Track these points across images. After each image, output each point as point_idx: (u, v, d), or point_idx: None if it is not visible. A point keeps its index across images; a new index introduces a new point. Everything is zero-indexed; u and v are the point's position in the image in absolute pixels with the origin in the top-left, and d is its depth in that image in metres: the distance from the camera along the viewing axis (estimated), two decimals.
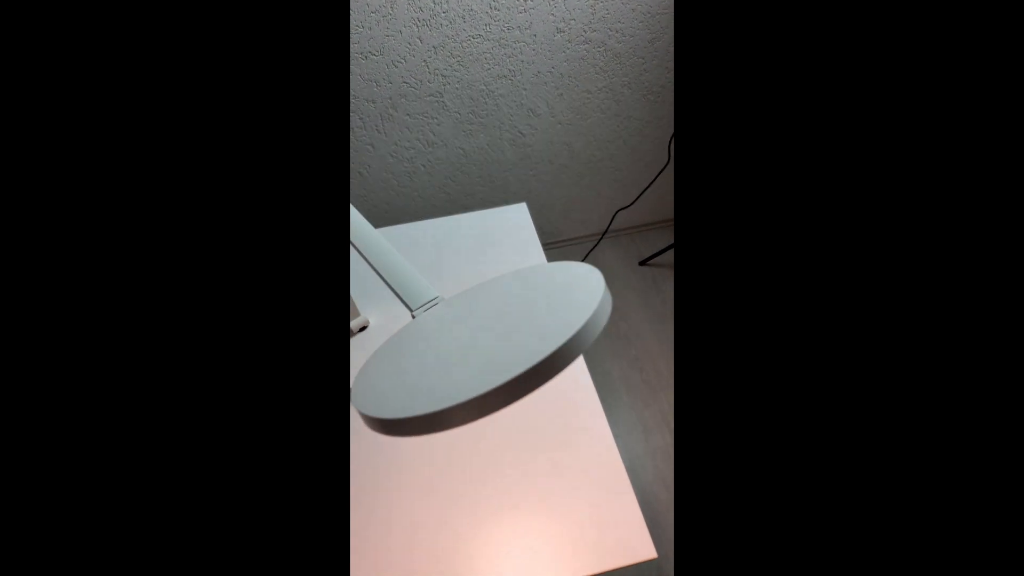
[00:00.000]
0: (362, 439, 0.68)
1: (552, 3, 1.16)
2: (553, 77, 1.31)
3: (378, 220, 1.51)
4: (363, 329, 0.75)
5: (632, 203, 1.66)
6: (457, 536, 0.61)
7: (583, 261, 1.72)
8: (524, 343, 0.25)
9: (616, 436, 1.43)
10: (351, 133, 1.29)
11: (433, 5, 1.10)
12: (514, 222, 0.99)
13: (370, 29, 1.11)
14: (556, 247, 1.81)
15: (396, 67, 1.19)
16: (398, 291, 0.32)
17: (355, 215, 0.34)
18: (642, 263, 1.76)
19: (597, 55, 1.29)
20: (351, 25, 1.09)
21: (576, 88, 1.35)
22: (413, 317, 0.31)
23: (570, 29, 1.22)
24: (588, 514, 0.62)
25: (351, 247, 0.33)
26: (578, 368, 0.74)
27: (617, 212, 1.70)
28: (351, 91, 1.21)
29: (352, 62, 1.16)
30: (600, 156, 1.55)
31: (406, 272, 0.32)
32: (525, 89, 1.31)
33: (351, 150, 1.33)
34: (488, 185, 1.52)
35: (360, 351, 0.74)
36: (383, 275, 0.32)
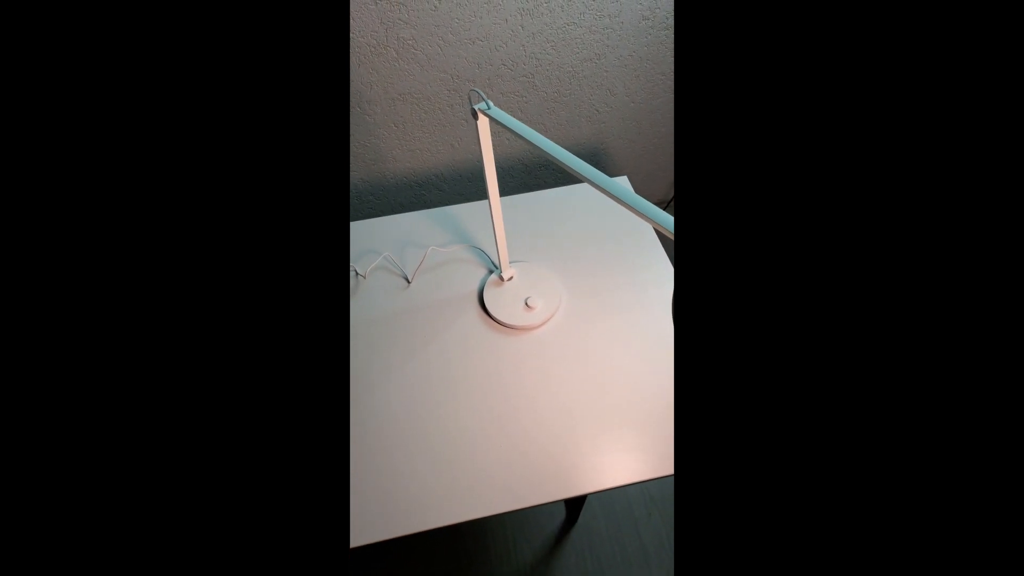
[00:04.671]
0: (430, 356, 0.86)
1: None
2: (634, 60, 1.44)
3: (472, 193, 1.67)
4: (510, 279, 0.93)
5: None
6: (523, 435, 0.78)
7: None
8: None
9: None
10: (450, 109, 1.44)
11: None
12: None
13: (480, 19, 1.25)
14: None
15: (497, 51, 1.33)
16: None
17: None
18: None
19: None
20: (463, 16, 1.23)
21: (653, 71, 1.47)
22: None
23: (655, 16, 1.34)
24: (638, 428, 0.76)
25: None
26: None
27: None
28: (456, 72, 1.35)
29: (461, 47, 1.30)
30: (666, 132, 1.68)
31: None
32: (607, 71, 1.45)
33: (446, 125, 1.49)
34: None
35: (504, 294, 0.91)
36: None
